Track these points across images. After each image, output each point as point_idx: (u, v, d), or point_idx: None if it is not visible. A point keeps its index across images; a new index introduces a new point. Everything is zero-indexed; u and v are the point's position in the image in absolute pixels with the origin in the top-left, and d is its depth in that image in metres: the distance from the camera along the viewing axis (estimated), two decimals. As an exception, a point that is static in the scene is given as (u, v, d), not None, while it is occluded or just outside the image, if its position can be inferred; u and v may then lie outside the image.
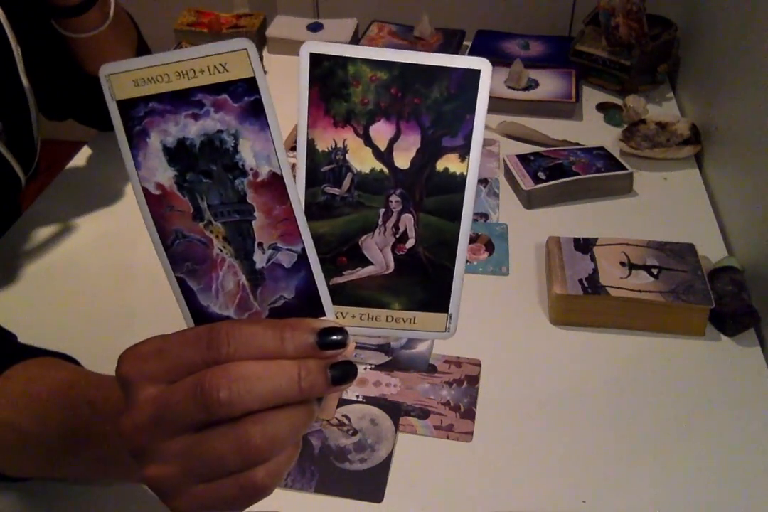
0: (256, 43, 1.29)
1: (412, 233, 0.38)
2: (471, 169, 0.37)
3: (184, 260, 0.37)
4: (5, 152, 0.81)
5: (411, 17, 1.32)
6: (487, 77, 0.36)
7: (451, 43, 1.29)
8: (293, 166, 0.36)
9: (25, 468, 0.55)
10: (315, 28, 1.33)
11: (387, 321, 0.40)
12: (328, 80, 0.36)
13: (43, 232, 0.92)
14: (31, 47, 0.83)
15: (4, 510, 0.61)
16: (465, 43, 1.32)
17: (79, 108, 1.00)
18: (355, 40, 1.31)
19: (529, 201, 0.96)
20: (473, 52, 1.28)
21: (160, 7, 1.67)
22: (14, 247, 0.90)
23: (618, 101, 1.17)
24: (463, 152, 0.37)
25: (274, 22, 1.35)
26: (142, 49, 0.97)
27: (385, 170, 0.37)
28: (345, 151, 0.37)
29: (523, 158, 1.00)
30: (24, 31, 0.82)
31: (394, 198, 0.38)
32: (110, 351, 0.63)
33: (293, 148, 0.37)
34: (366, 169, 0.37)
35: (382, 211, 0.38)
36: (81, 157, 1.06)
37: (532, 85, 1.18)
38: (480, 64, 0.36)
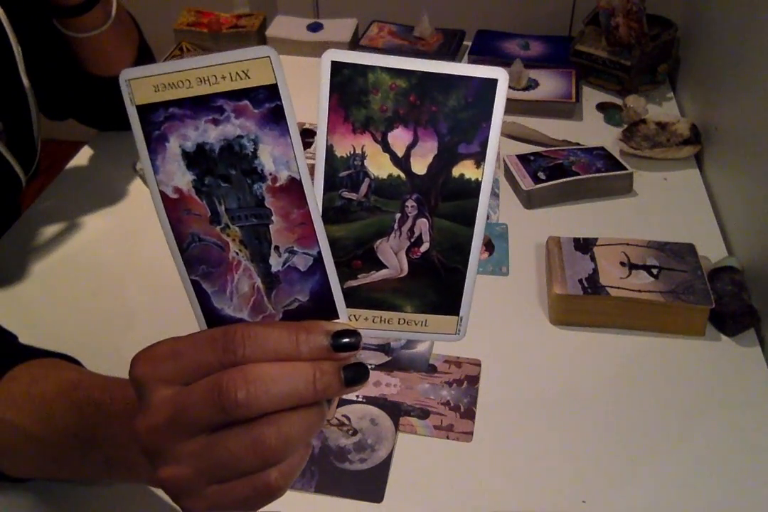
0: (256, 43, 1.30)
1: (426, 237, 0.39)
2: (486, 175, 0.38)
3: (200, 263, 0.38)
4: (5, 152, 0.81)
5: (411, 17, 1.32)
6: (504, 86, 0.37)
7: (451, 43, 1.29)
8: (311, 171, 0.37)
9: (28, 468, 0.55)
10: (315, 28, 1.33)
11: (399, 323, 0.40)
12: (348, 88, 0.36)
13: (44, 232, 0.92)
14: (32, 47, 0.83)
15: (5, 510, 0.61)
16: (465, 43, 1.32)
17: (79, 108, 1.00)
18: (355, 40, 1.31)
19: (529, 201, 0.96)
20: (473, 52, 1.28)
21: (160, 7, 1.67)
22: (14, 247, 0.90)
23: (618, 101, 1.17)
24: (479, 159, 0.38)
25: (274, 22, 1.35)
26: (144, 49, 0.97)
27: (402, 176, 0.38)
28: (363, 156, 0.37)
29: (523, 158, 1.00)
30: (25, 31, 0.82)
31: (410, 203, 0.38)
32: (111, 351, 0.63)
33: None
34: (383, 175, 0.38)
35: (397, 215, 0.39)
36: (81, 157, 1.06)
37: (532, 85, 1.18)
38: (497, 73, 0.37)
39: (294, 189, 0.37)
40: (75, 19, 0.85)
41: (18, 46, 0.81)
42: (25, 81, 0.82)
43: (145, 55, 0.97)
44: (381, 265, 0.39)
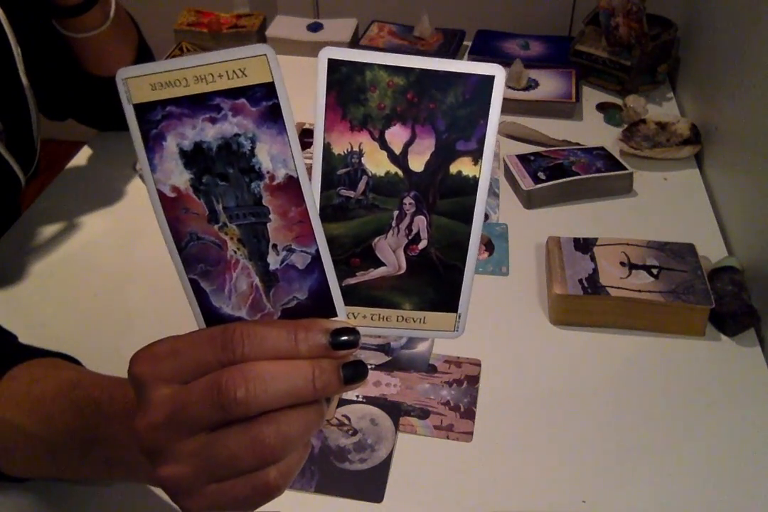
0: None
1: (424, 234, 0.39)
2: (483, 172, 0.38)
3: (198, 262, 0.38)
4: (5, 153, 0.81)
5: (411, 17, 1.32)
6: (501, 83, 0.37)
7: (451, 43, 1.29)
8: (309, 169, 0.37)
9: (28, 468, 0.55)
10: (315, 28, 1.33)
11: (398, 321, 0.40)
12: (346, 85, 0.36)
13: (43, 232, 0.92)
14: (32, 47, 0.83)
15: (5, 511, 0.61)
16: (465, 43, 1.32)
17: (79, 108, 1.00)
18: (355, 40, 1.31)
19: (529, 201, 0.96)
20: (473, 52, 1.28)
21: (160, 7, 1.67)
22: (14, 247, 0.90)
23: (618, 101, 1.17)
24: (477, 156, 0.38)
25: (274, 22, 1.35)
26: (143, 49, 0.97)
27: (400, 173, 0.38)
28: (361, 154, 0.37)
29: (523, 158, 1.00)
30: (24, 31, 0.82)
31: (408, 200, 0.38)
32: (111, 351, 0.63)
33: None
34: (381, 172, 0.38)
35: (395, 213, 0.39)
36: (81, 157, 1.06)
37: (532, 85, 1.18)
38: (494, 70, 0.37)
39: (292, 187, 0.37)
40: (74, 19, 0.85)
41: (17, 47, 0.81)
42: (25, 81, 0.82)
43: (144, 55, 0.97)
44: (379, 263, 0.39)
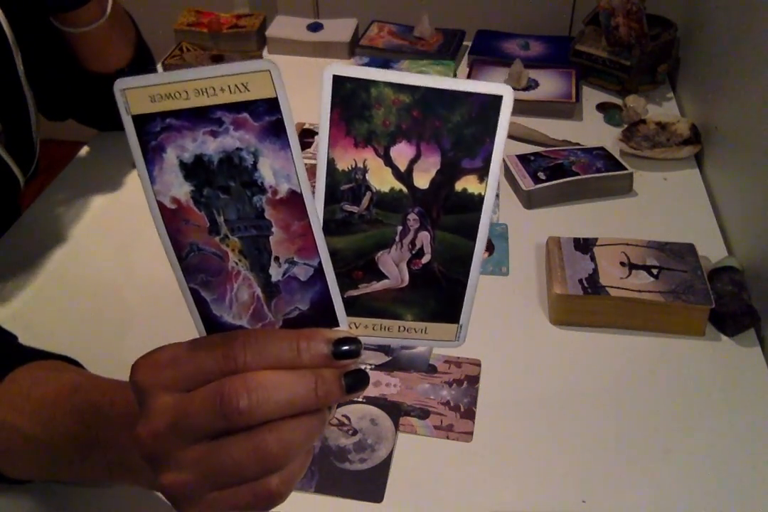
0: (256, 43, 1.30)
1: (428, 249, 0.39)
2: (489, 189, 0.38)
3: (199, 272, 0.37)
4: (4, 154, 0.81)
5: (411, 17, 1.32)
6: (509, 103, 0.37)
7: (451, 43, 1.29)
8: (312, 170, 0.37)
9: (28, 470, 0.55)
10: (315, 28, 1.33)
11: (399, 331, 0.40)
12: (351, 102, 0.36)
13: (43, 233, 0.92)
14: (31, 47, 0.83)
15: (5, 510, 0.61)
16: (465, 43, 1.32)
17: (79, 107, 1.00)
18: (355, 40, 1.31)
19: (529, 201, 0.96)
20: (473, 52, 1.28)
21: (160, 7, 1.67)
22: (14, 248, 0.90)
23: (618, 101, 1.17)
24: (482, 174, 0.38)
25: (274, 22, 1.35)
26: (142, 48, 0.97)
27: (404, 190, 0.38)
28: (365, 170, 0.37)
29: (523, 158, 1.00)
30: (23, 31, 0.82)
31: (412, 216, 0.38)
32: (110, 353, 0.64)
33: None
34: (385, 189, 0.38)
35: (399, 228, 0.38)
36: (81, 157, 1.06)
37: (532, 85, 1.18)
38: (502, 90, 0.36)
39: (294, 201, 0.36)
40: (71, 14, 0.85)
41: (17, 47, 0.81)
42: (24, 81, 0.82)
43: (143, 55, 0.97)
44: (382, 276, 0.39)
